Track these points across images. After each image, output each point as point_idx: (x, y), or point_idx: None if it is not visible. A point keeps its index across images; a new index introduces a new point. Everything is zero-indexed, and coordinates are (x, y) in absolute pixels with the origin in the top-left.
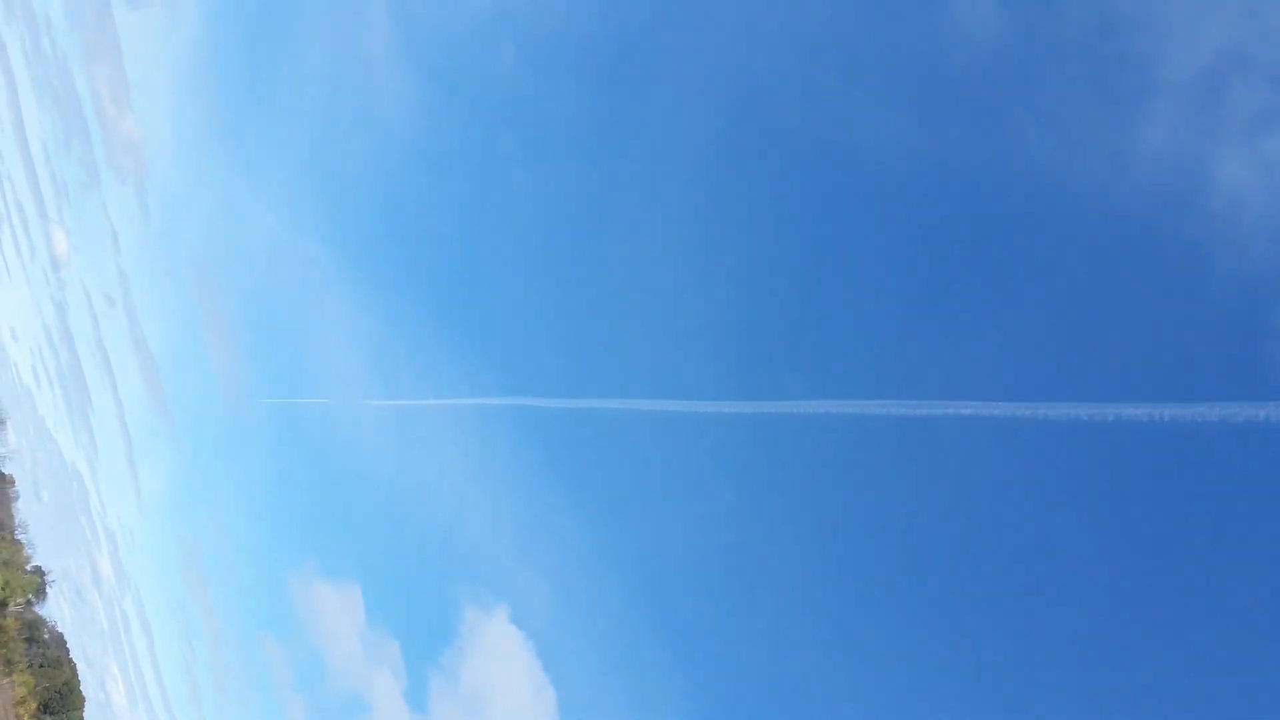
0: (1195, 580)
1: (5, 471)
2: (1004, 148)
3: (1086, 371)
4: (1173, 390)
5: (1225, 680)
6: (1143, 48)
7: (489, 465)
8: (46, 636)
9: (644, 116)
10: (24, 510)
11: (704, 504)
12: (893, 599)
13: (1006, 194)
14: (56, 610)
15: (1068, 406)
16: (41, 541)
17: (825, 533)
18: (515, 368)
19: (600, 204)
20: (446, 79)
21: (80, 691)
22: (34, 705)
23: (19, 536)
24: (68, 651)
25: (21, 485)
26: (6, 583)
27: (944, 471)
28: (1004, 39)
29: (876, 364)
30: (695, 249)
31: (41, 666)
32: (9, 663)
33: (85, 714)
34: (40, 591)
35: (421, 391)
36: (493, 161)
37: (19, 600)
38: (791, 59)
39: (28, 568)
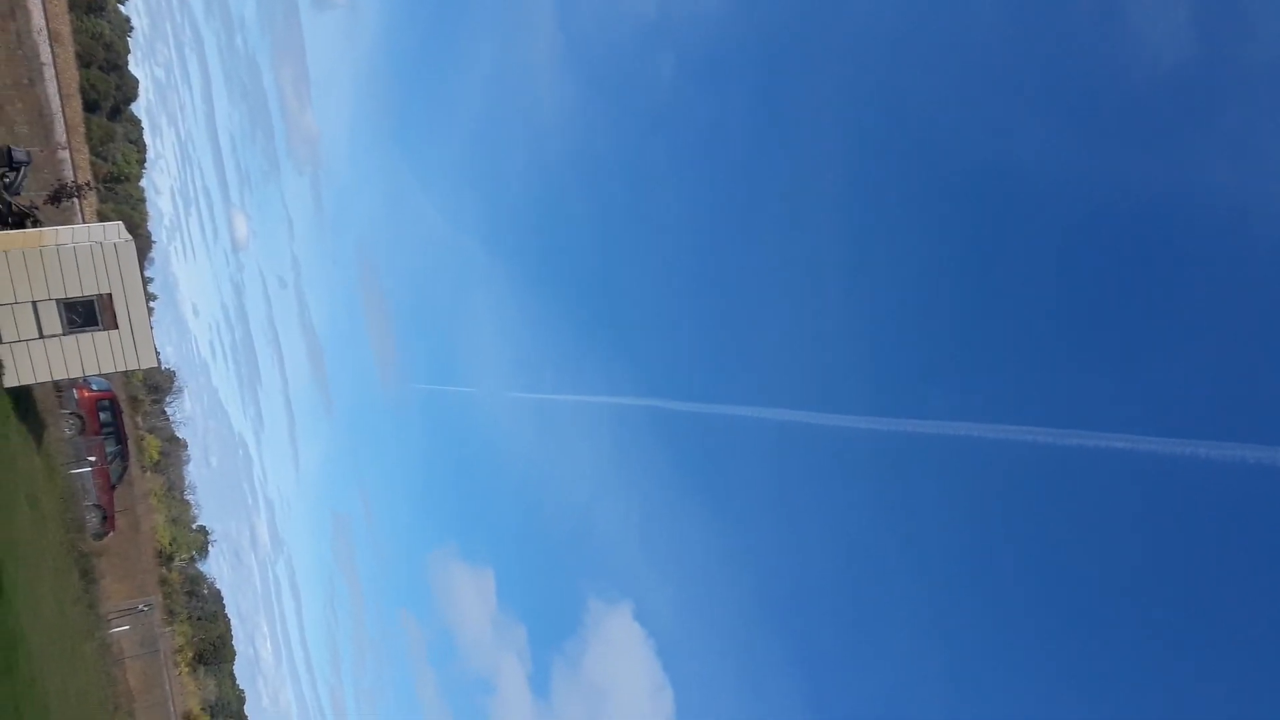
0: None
1: (180, 436)
2: (1183, 173)
3: (1263, 411)
4: None
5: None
6: None
7: (622, 463)
8: (205, 592)
9: (796, 129)
10: (194, 473)
11: (834, 519)
12: (1023, 629)
13: (1183, 222)
14: (216, 568)
15: (1237, 447)
16: (207, 503)
17: (956, 557)
18: (653, 370)
19: (748, 213)
20: (606, 87)
21: (232, 646)
22: (190, 654)
23: (188, 497)
24: (224, 607)
25: (193, 450)
26: (175, 539)
27: (1084, 504)
28: (1190, 57)
29: (1023, 388)
30: (842, 261)
31: (199, 619)
32: (172, 613)
33: (235, 667)
34: (203, 549)
35: (561, 387)
36: (645, 169)
37: (184, 556)
38: (957, 74)
39: (193, 526)
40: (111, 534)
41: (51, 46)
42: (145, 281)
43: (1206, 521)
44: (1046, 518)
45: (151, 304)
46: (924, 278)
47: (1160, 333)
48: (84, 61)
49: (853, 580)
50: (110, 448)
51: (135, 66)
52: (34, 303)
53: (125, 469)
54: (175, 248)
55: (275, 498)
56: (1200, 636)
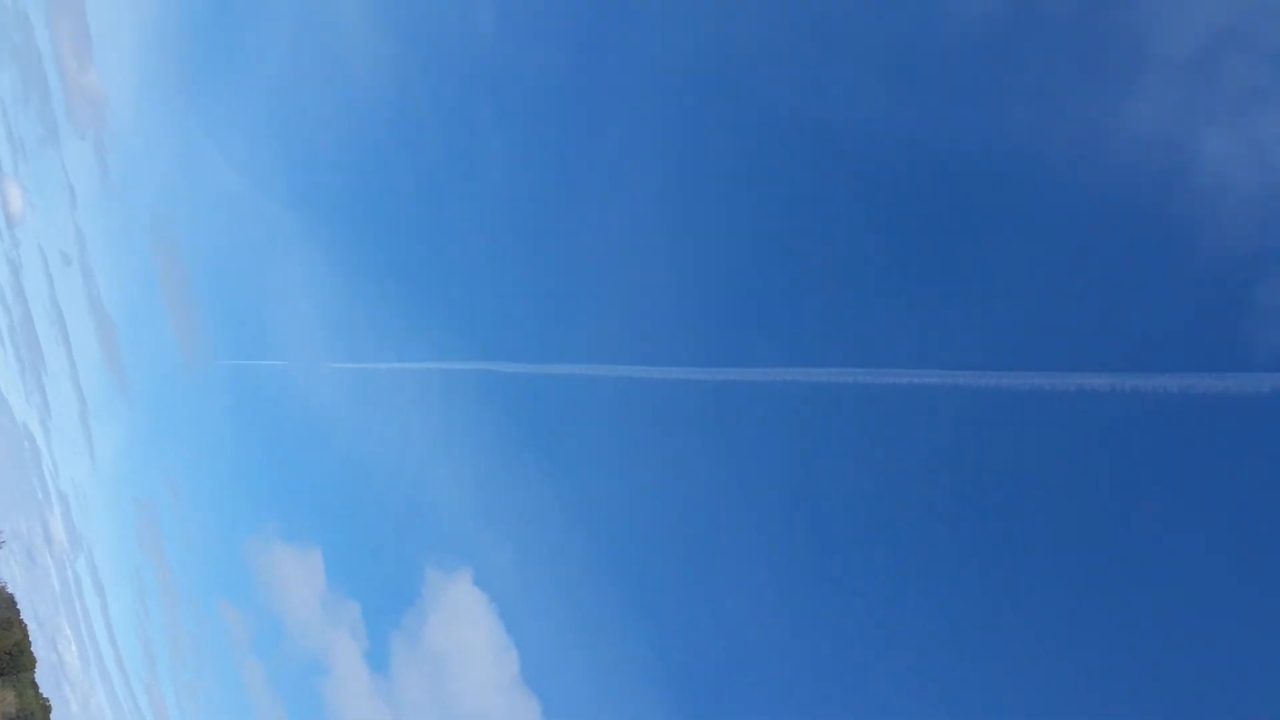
0: (1164, 555)
1: None
2: (984, 123)
3: (1062, 345)
4: (1152, 364)
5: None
6: (1134, 23)
7: (452, 429)
8: None
9: (620, 84)
10: None
11: (669, 471)
12: (857, 569)
13: (986, 170)
14: (6, 572)
15: (1049, 377)
16: None
17: (791, 502)
18: (479, 332)
19: (570, 169)
20: (419, 40)
21: (31, 652)
22: None
23: None
24: (18, 613)
25: None
26: None
27: (914, 442)
28: (987, 13)
29: (848, 332)
30: (666, 215)
31: None
32: None
33: (36, 675)
34: None
35: (384, 355)
36: (462, 125)
37: None
38: (773, 32)
39: None
40: None
41: None
42: None
43: (1027, 450)
44: (876, 457)
45: None
46: (746, 226)
47: (967, 272)
48: None
49: (690, 530)
50: None
51: None
52: None
53: None
54: None
55: (69, 490)
56: (1034, 560)
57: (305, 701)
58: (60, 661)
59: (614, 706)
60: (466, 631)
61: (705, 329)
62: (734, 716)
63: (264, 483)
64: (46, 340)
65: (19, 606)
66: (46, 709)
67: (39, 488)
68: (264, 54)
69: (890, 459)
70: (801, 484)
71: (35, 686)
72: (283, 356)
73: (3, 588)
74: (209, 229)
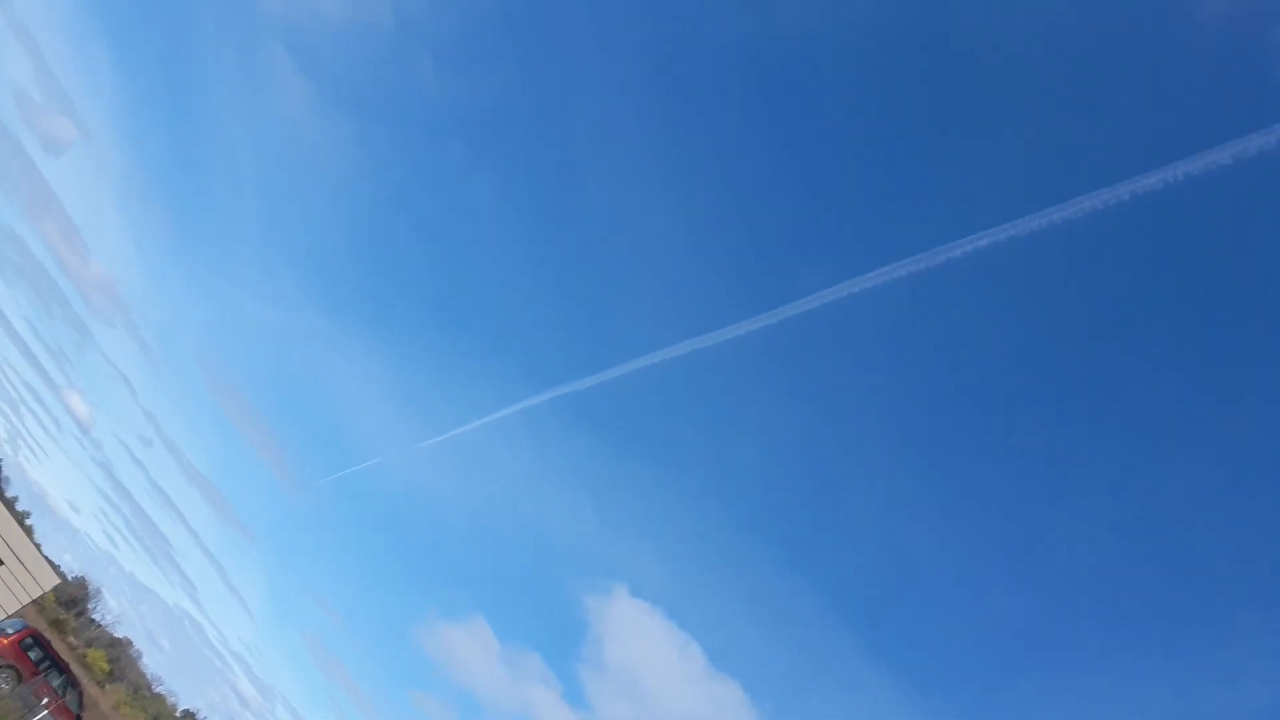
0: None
1: (120, 636)
2: None
3: (1099, 161)
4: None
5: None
6: None
7: (553, 460)
8: None
9: (582, 95)
10: (152, 664)
11: (760, 422)
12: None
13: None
14: None
15: (1097, 196)
16: (179, 686)
17: (883, 413)
18: (536, 365)
19: (560, 189)
20: (378, 112)
21: None
22: None
23: (158, 690)
24: None
25: (139, 642)
26: None
27: (978, 308)
28: None
29: (883, 225)
30: (664, 182)
31: None
32: None
33: None
34: None
35: (463, 418)
36: (450, 178)
37: None
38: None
39: (177, 715)
40: None
41: None
42: (9, 504)
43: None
44: (950, 337)
45: (27, 522)
46: (749, 156)
47: (985, 119)
48: None
49: (798, 467)
50: (55, 681)
51: None
52: None
53: (81, 695)
54: (25, 456)
55: (241, 649)
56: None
57: None
58: None
59: (810, 666)
60: (644, 642)
61: (739, 283)
62: (914, 644)
63: (405, 574)
64: (163, 522)
65: None
66: None
67: (214, 656)
68: (239, 183)
69: (966, 334)
70: (888, 393)
71: None
72: (372, 455)
73: None
74: (258, 362)
